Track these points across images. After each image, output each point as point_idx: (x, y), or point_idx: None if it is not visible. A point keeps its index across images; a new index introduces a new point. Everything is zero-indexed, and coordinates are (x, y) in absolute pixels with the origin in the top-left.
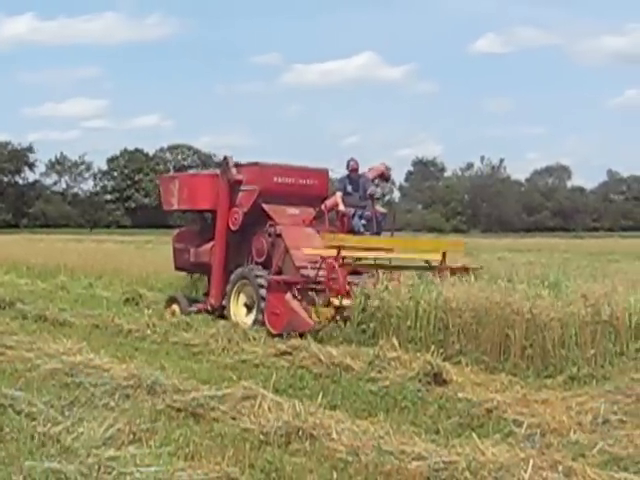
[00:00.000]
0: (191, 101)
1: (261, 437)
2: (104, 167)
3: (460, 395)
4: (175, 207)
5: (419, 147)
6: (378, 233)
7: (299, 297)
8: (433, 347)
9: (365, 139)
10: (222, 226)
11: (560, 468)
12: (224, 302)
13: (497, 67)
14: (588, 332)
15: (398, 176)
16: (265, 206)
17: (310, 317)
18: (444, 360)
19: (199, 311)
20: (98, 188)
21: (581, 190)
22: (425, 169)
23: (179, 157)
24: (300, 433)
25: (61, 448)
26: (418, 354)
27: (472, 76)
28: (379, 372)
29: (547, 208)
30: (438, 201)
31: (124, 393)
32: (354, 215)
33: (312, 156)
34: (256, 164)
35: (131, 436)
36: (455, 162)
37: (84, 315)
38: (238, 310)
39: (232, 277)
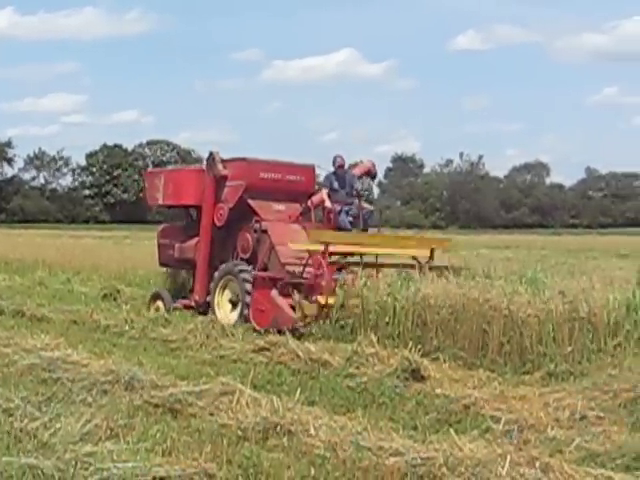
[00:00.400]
0: (171, 97)
1: (239, 433)
2: (83, 162)
3: (438, 391)
4: (160, 202)
5: (398, 143)
6: (365, 230)
7: (286, 293)
8: (411, 343)
9: (345, 135)
10: (207, 222)
11: (537, 464)
12: (209, 298)
13: (477, 64)
14: (566, 329)
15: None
16: (251, 202)
17: (297, 314)
18: (422, 356)
19: (183, 307)
20: (77, 183)
21: (559, 187)
22: (404, 165)
23: (158, 153)
24: (278, 429)
25: (38, 444)
26: (396, 350)
27: (452, 73)
28: (357, 368)
29: (525, 205)
30: (417, 197)
31: (102, 389)
32: (340, 212)
33: (292, 152)
34: (243, 159)
35: (108, 432)
36: (434, 159)
37: (62, 311)
38: (223, 306)
39: (217, 273)
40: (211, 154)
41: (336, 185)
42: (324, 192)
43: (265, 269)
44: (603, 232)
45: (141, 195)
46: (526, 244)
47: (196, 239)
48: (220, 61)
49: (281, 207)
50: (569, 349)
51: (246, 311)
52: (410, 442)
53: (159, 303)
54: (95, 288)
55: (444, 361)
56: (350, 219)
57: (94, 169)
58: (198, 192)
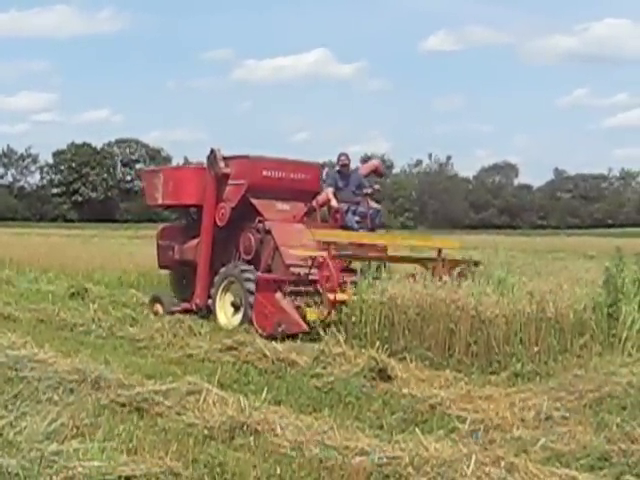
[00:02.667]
0: (142, 96)
1: (205, 432)
2: (51, 161)
3: (404, 391)
4: (159, 202)
5: (369, 144)
6: (372, 230)
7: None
8: (378, 343)
9: (315, 135)
10: (208, 222)
11: (502, 464)
12: (210, 302)
13: (448, 65)
14: (533, 329)
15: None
16: (254, 201)
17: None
18: (389, 356)
19: (184, 311)
20: (45, 182)
21: (528, 188)
22: None
23: (127, 151)
24: (244, 428)
25: (3, 442)
26: (363, 350)
27: (423, 74)
28: (324, 368)
29: (494, 205)
30: (386, 198)
31: (68, 387)
32: (347, 211)
33: (262, 152)
34: (245, 157)
35: (74, 430)
36: (404, 159)
37: (29, 309)
38: (225, 310)
39: (218, 275)
40: (212, 151)
41: (340, 184)
42: (330, 191)
43: (269, 271)
44: (571, 233)
45: (110, 194)
46: (494, 245)
47: (197, 240)
48: (191, 60)
49: (285, 206)
50: (536, 349)
51: (250, 312)
52: (376, 441)
53: (158, 306)
54: (62, 287)
55: (411, 361)
56: (357, 218)
57: (62, 167)
58: (199, 191)
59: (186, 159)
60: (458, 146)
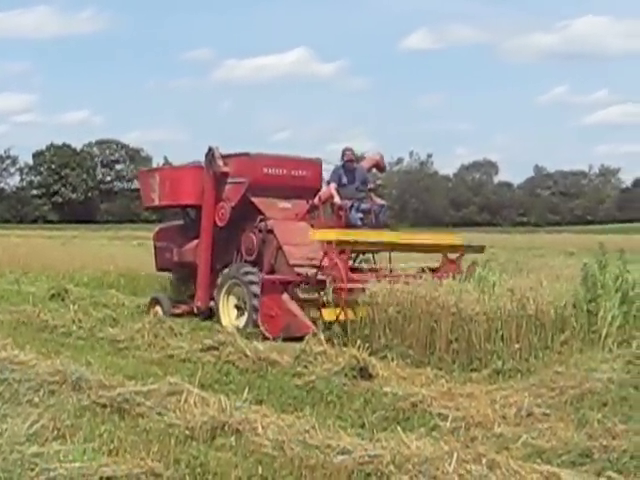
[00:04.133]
0: (122, 96)
1: (186, 432)
2: (31, 162)
3: (386, 389)
4: (156, 203)
5: (350, 142)
6: (376, 227)
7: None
8: (359, 342)
9: (296, 134)
10: (208, 222)
11: (484, 461)
12: (212, 304)
13: (429, 63)
14: (513, 326)
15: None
16: (255, 200)
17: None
18: (370, 355)
19: (184, 313)
20: (24, 183)
21: (508, 185)
22: None
23: (107, 152)
24: (226, 428)
25: None
26: (344, 349)
27: (404, 72)
28: (305, 367)
29: (474, 203)
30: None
31: (49, 389)
32: (351, 208)
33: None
34: (245, 154)
35: (55, 432)
36: (385, 157)
37: (9, 311)
38: (228, 312)
39: (220, 277)
40: (210, 150)
41: (345, 180)
42: (333, 187)
43: (272, 271)
44: (551, 230)
45: (90, 195)
46: (475, 242)
47: (196, 241)
48: (172, 60)
49: (287, 205)
50: (516, 346)
51: (255, 316)
52: (358, 440)
53: (157, 308)
54: (43, 288)
55: (392, 359)
56: (360, 215)
57: (42, 169)
58: (197, 191)
59: (166, 159)
60: (439, 144)
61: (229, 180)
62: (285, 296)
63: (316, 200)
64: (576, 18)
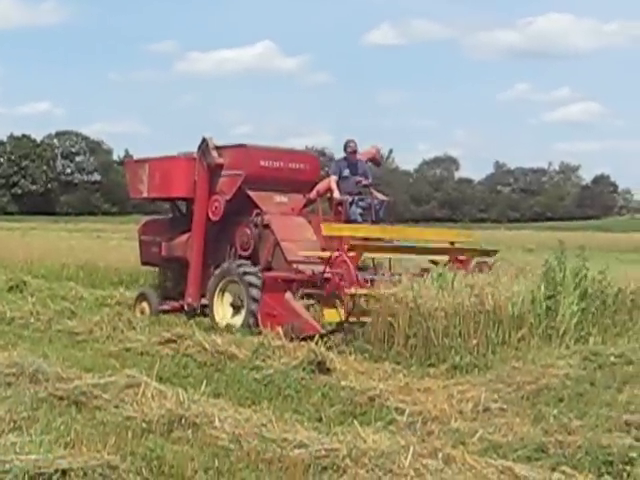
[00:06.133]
0: (84, 88)
1: (143, 425)
2: None
3: (343, 383)
4: (145, 195)
5: (311, 137)
6: (376, 223)
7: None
8: (317, 336)
9: (258, 128)
10: (200, 216)
11: (440, 455)
12: (203, 301)
13: (391, 59)
14: (471, 322)
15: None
16: (251, 193)
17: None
18: (328, 349)
19: (172, 310)
20: None
21: (468, 181)
22: None
23: (67, 144)
24: (183, 421)
25: None
26: (302, 343)
27: (366, 67)
28: (263, 361)
29: (435, 199)
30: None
31: (6, 381)
32: (352, 203)
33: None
34: (241, 146)
35: (11, 424)
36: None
37: None
38: (223, 311)
39: (215, 274)
40: (204, 140)
41: (347, 172)
42: (333, 180)
43: (269, 268)
44: (511, 226)
45: (49, 186)
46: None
47: (187, 235)
48: (134, 52)
49: (283, 199)
50: (474, 342)
51: (252, 320)
52: (315, 434)
53: (144, 305)
54: (1, 280)
55: (350, 354)
56: (360, 211)
57: (1, 160)
58: (189, 183)
59: (127, 152)
60: (400, 139)
61: (224, 172)
62: (288, 295)
63: (313, 193)
64: (539, 15)
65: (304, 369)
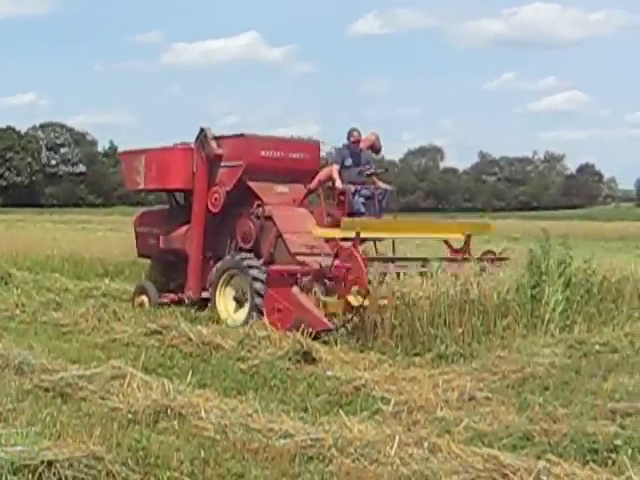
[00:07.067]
0: (69, 79)
1: (129, 416)
2: None
3: (329, 373)
4: (141, 187)
5: (297, 127)
6: (379, 214)
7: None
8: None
9: (244, 118)
10: (200, 208)
11: (425, 444)
12: (204, 294)
13: (376, 48)
14: (457, 311)
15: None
16: (251, 184)
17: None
18: (314, 339)
19: (172, 303)
20: None
21: (453, 171)
22: None
23: (52, 135)
24: (168, 412)
25: None
26: (288, 333)
27: (352, 57)
28: (249, 351)
29: (420, 188)
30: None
31: None
32: (355, 193)
33: (189, 136)
34: (241, 136)
35: None
36: (332, 142)
37: None
38: (226, 305)
39: (217, 267)
40: (202, 130)
41: (349, 162)
42: (335, 169)
43: (271, 261)
44: (495, 216)
45: (34, 178)
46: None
47: (185, 227)
48: (120, 43)
49: (284, 189)
50: (459, 331)
51: (256, 314)
52: (300, 424)
53: (144, 297)
54: None
55: (335, 343)
56: (362, 200)
57: None
58: (187, 174)
59: (112, 143)
60: (385, 129)
61: (223, 163)
62: (295, 289)
63: (314, 183)
64: (524, 5)
65: (290, 359)
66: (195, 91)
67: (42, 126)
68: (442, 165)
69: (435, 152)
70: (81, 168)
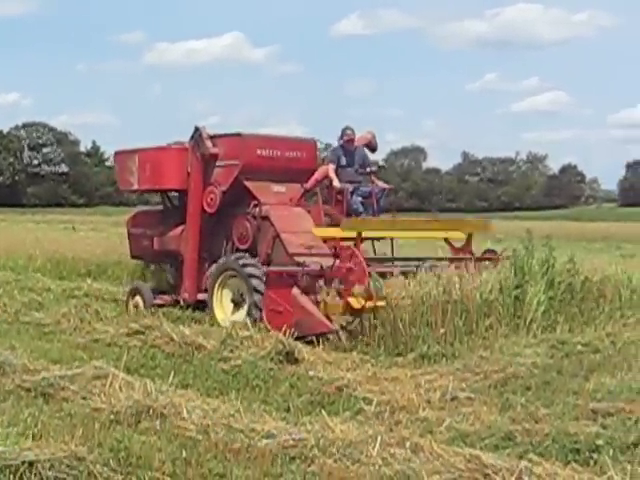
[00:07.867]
0: (52, 79)
1: (111, 416)
2: None
3: (311, 373)
4: (135, 187)
5: (281, 127)
6: (377, 213)
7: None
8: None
9: (227, 119)
10: (195, 208)
11: (407, 444)
12: (201, 296)
13: (359, 49)
14: (439, 311)
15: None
16: (248, 184)
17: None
18: (296, 339)
19: (166, 304)
20: None
21: (436, 171)
22: None
23: (34, 135)
24: (150, 412)
25: None
26: (270, 333)
27: (334, 57)
28: (231, 351)
29: (403, 189)
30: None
31: None
32: (353, 192)
33: (172, 135)
34: (237, 135)
35: None
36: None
37: None
38: (223, 306)
39: (212, 270)
40: (197, 130)
41: (344, 161)
42: (331, 168)
43: (269, 262)
44: (478, 216)
45: (17, 178)
46: None
47: (180, 228)
48: (102, 43)
49: (281, 188)
50: (442, 331)
51: (256, 312)
52: (283, 424)
53: (138, 299)
54: None
55: (318, 344)
56: (360, 199)
57: None
58: (181, 174)
59: (94, 143)
60: (369, 129)
61: (219, 163)
62: (295, 290)
63: (311, 182)
64: (507, 6)
65: (272, 359)
66: (178, 91)
67: (24, 126)
68: (425, 165)
69: (418, 152)
70: (63, 168)
